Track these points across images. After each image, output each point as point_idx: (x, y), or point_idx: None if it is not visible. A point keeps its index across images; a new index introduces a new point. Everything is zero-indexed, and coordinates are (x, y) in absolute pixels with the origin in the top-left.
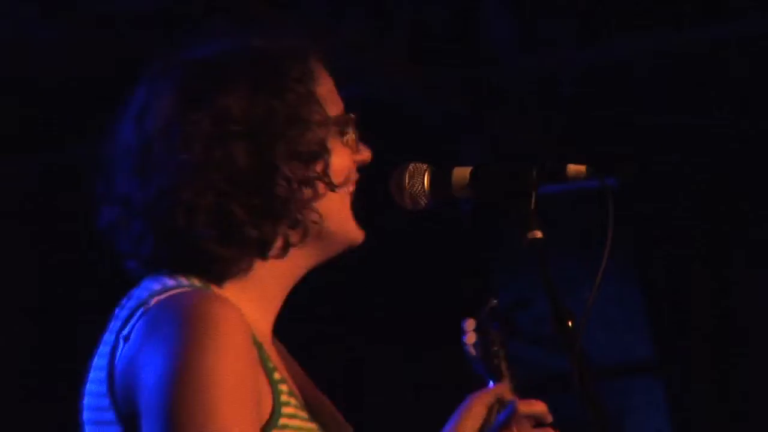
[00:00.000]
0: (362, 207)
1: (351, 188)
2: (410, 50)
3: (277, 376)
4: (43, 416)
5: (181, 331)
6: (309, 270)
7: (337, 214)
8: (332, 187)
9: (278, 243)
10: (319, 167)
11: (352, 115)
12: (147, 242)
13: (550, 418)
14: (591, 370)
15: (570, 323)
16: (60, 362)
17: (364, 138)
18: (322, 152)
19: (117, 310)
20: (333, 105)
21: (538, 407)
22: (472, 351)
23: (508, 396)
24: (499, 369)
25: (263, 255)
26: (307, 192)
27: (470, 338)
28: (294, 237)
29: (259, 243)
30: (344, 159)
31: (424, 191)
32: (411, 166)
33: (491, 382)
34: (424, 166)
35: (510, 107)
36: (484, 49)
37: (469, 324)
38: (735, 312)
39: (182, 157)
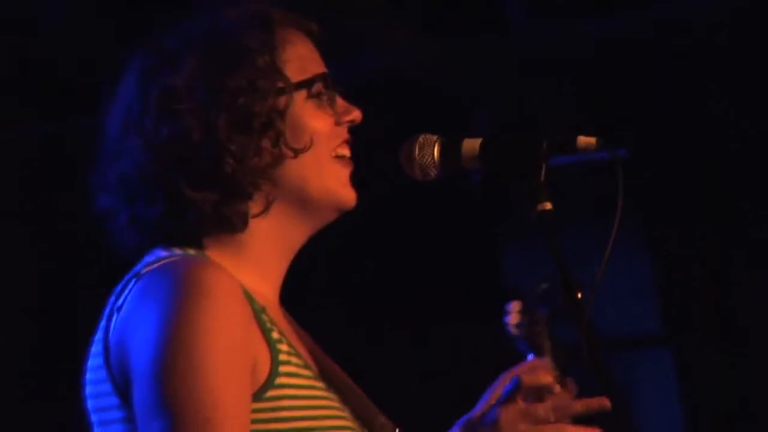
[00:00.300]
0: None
1: (336, 150)
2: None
3: (275, 335)
4: (43, 416)
5: (172, 296)
6: (306, 237)
7: (315, 179)
8: (296, 152)
9: (238, 217)
10: (273, 135)
11: (322, 75)
12: (132, 226)
13: (558, 389)
14: (600, 340)
15: (579, 294)
16: (60, 362)
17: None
18: (274, 120)
19: (116, 287)
20: (305, 70)
21: (544, 378)
22: (515, 331)
23: (544, 371)
24: (543, 347)
25: (229, 230)
26: (263, 162)
27: (514, 318)
28: (255, 209)
29: (217, 219)
30: (316, 121)
31: (434, 162)
32: (421, 138)
33: (530, 356)
34: (435, 137)
35: (511, 106)
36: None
37: (515, 305)
38: (735, 312)
39: (140, 139)
